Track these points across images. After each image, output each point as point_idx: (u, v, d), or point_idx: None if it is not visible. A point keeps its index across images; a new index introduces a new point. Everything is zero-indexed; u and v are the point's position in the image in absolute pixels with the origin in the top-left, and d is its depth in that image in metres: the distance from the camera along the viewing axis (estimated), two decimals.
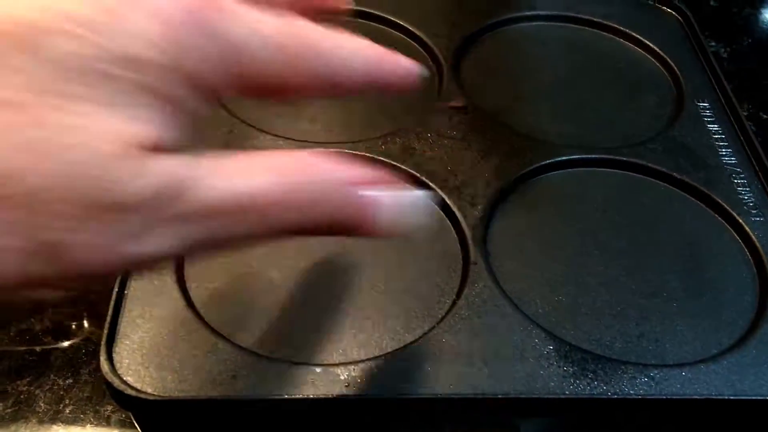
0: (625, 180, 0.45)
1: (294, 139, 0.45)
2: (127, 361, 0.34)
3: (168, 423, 0.34)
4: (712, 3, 0.74)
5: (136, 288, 0.36)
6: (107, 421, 0.43)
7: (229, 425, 0.34)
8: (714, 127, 0.48)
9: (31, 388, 0.44)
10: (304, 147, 0.45)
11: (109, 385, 0.33)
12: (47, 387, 0.44)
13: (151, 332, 0.35)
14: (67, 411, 0.43)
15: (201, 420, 0.34)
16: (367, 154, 0.45)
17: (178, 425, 0.35)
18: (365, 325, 0.37)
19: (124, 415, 0.43)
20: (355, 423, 0.35)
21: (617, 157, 0.46)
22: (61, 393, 0.44)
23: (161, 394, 0.33)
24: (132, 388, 0.33)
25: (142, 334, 0.35)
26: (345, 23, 0.28)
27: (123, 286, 0.36)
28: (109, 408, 0.43)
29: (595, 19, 0.58)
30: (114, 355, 0.34)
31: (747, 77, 0.68)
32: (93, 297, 0.50)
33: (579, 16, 0.58)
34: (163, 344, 0.35)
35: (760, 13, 0.74)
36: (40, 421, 0.42)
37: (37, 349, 0.46)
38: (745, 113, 0.63)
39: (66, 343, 0.46)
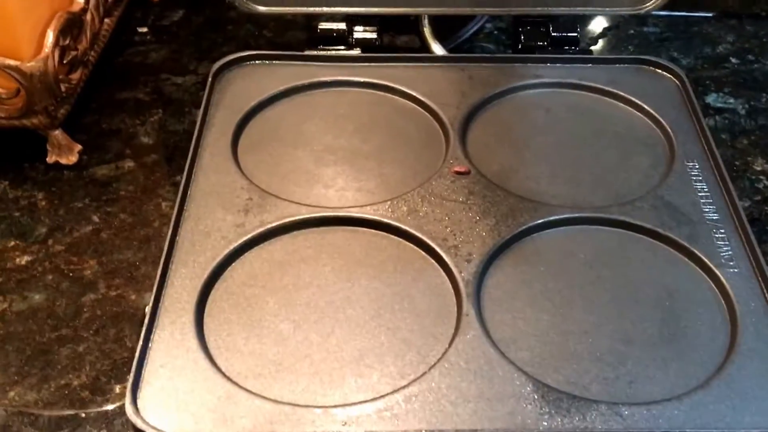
0: (613, 236, 0.48)
1: (309, 205, 0.50)
2: (150, 404, 0.38)
3: None
4: (733, 60, 0.78)
5: (159, 340, 0.41)
6: None
7: None
8: (700, 185, 0.51)
9: None
10: (318, 212, 0.50)
11: (134, 426, 0.37)
12: None
13: (172, 379, 0.39)
14: None
15: None
16: (376, 217, 0.49)
17: None
18: (364, 371, 0.41)
19: None
20: None
21: (606, 215, 0.49)
22: None
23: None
24: (154, 428, 0.37)
25: (164, 381, 0.39)
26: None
27: (147, 339, 0.41)
28: None
29: (597, 85, 0.61)
30: (138, 400, 0.38)
31: (763, 133, 0.71)
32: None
33: (582, 82, 0.62)
34: (182, 390, 0.39)
35: None
36: None
37: (76, 403, 0.51)
38: (759, 168, 0.65)
39: (100, 398, 0.51)
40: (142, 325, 0.56)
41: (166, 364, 0.40)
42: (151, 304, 0.42)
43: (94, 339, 0.55)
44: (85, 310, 0.57)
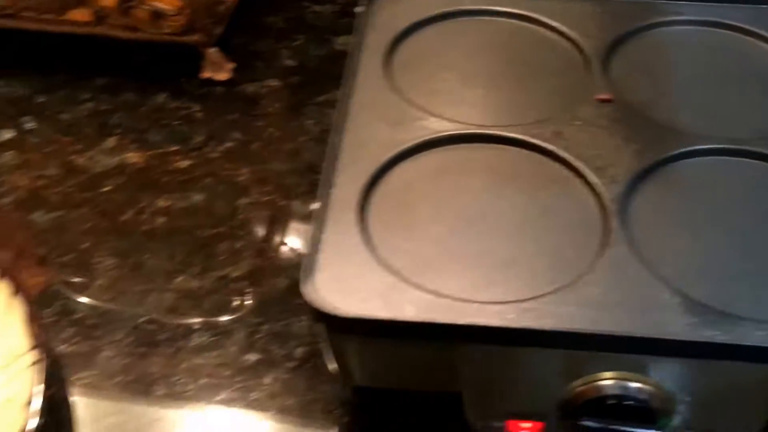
0: (757, 168, 0.49)
1: (459, 122, 0.53)
2: (321, 289, 0.42)
3: (349, 335, 0.43)
4: None
5: (327, 235, 0.45)
6: (289, 357, 0.52)
7: (398, 342, 0.42)
8: None
9: (230, 324, 0.54)
10: (465, 129, 0.53)
11: (309, 304, 0.42)
12: (242, 323, 0.54)
13: (340, 269, 0.43)
14: (259, 344, 0.53)
15: (376, 335, 0.42)
16: (522, 136, 0.52)
17: (357, 338, 0.43)
18: (514, 275, 0.44)
19: (304, 350, 0.52)
20: (498, 353, 0.42)
21: (751, 148, 0.50)
22: (253, 329, 0.54)
23: (347, 313, 0.41)
24: (329, 307, 0.41)
25: (333, 270, 0.43)
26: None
27: (317, 233, 0.45)
28: (293, 343, 0.53)
29: (740, 25, 0.61)
30: (312, 284, 0.42)
31: None
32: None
33: (724, 21, 0.62)
34: (350, 278, 0.43)
35: None
36: (240, 349, 0.52)
37: (235, 292, 0.56)
38: None
39: (257, 289, 0.56)
40: (291, 228, 0.61)
41: (333, 255, 0.44)
42: (318, 203, 0.46)
43: (248, 237, 0.60)
44: (239, 211, 0.62)
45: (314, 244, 0.44)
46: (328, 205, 0.47)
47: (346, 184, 0.48)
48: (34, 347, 0.47)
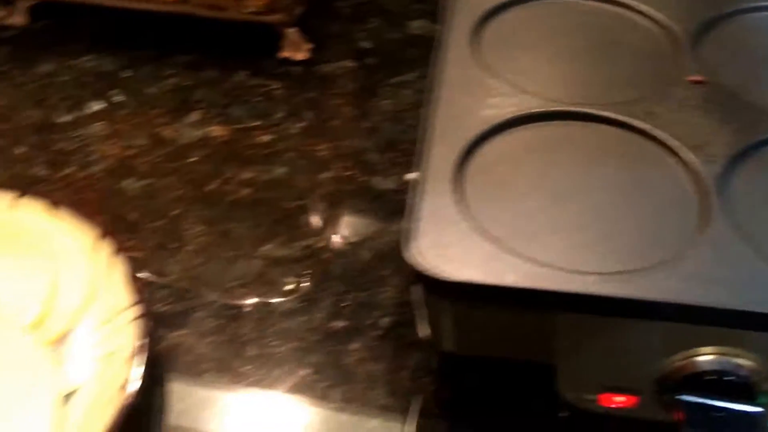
0: None
1: (547, 98, 0.53)
2: (423, 252, 0.43)
3: (448, 300, 0.43)
4: None
5: (425, 203, 0.45)
6: (374, 326, 0.53)
7: (496, 309, 0.42)
8: None
9: (317, 292, 0.55)
10: (559, 106, 0.53)
11: (412, 267, 0.42)
12: (328, 291, 0.55)
13: (439, 236, 0.44)
14: (345, 312, 0.53)
15: (476, 301, 0.42)
16: (614, 115, 0.52)
17: (456, 303, 0.43)
18: (611, 248, 0.44)
19: (390, 320, 0.53)
20: (597, 324, 0.42)
21: None
22: (339, 297, 0.54)
23: (450, 277, 0.42)
24: (429, 269, 0.42)
25: (432, 237, 0.44)
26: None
27: (415, 201, 0.45)
28: (377, 313, 0.53)
29: None
30: (413, 248, 0.43)
31: None
32: None
33: None
34: (449, 245, 0.43)
35: None
36: (327, 316, 0.53)
37: (321, 263, 0.57)
38: None
39: (342, 260, 0.57)
40: (373, 202, 0.62)
41: (432, 223, 0.44)
42: (414, 174, 0.47)
43: (331, 210, 0.61)
44: (321, 185, 0.63)
45: (413, 212, 0.45)
46: (425, 175, 0.47)
47: (441, 157, 0.48)
48: (134, 304, 0.49)
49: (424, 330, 0.46)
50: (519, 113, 0.52)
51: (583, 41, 0.59)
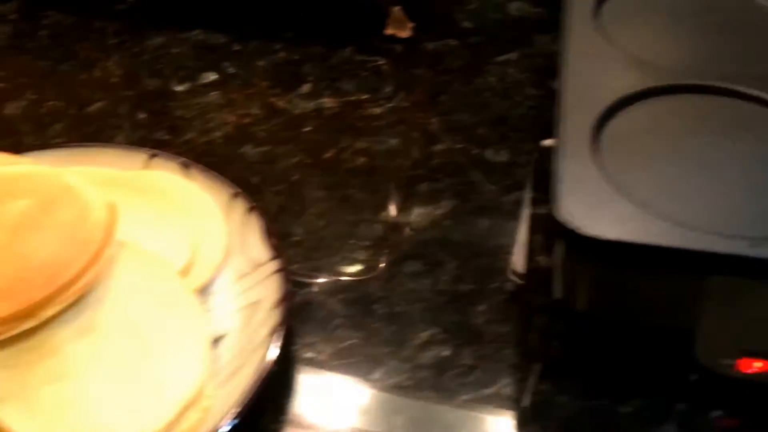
0: None
1: (676, 71, 0.53)
2: (566, 212, 0.44)
3: (591, 258, 0.44)
4: None
5: (565, 167, 0.46)
6: (499, 290, 0.53)
7: (640, 270, 0.43)
8: None
9: (440, 256, 0.55)
10: (690, 80, 0.53)
11: (559, 224, 0.43)
12: (451, 256, 0.55)
13: (582, 199, 0.44)
14: (468, 276, 0.54)
15: (619, 260, 0.43)
16: (746, 90, 0.52)
17: (598, 262, 0.44)
18: (758, 213, 0.44)
19: (513, 285, 0.53)
20: (744, 287, 0.43)
21: None
22: (460, 262, 0.55)
23: (597, 235, 0.42)
24: (576, 227, 0.42)
25: (577, 197, 0.44)
26: None
27: (556, 165, 0.46)
28: (500, 278, 0.54)
29: None
30: (557, 207, 0.44)
31: None
32: None
33: None
34: (592, 206, 0.44)
35: None
36: (452, 279, 0.54)
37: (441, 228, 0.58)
38: None
39: (462, 227, 0.58)
40: (488, 173, 0.63)
41: (574, 185, 0.45)
42: (551, 140, 0.48)
43: (446, 180, 0.62)
44: (434, 156, 0.64)
45: (553, 175, 0.46)
46: (563, 142, 0.48)
47: (576, 125, 0.49)
48: (272, 258, 0.50)
49: (558, 291, 0.47)
50: (650, 85, 0.52)
51: (710, 17, 0.60)
